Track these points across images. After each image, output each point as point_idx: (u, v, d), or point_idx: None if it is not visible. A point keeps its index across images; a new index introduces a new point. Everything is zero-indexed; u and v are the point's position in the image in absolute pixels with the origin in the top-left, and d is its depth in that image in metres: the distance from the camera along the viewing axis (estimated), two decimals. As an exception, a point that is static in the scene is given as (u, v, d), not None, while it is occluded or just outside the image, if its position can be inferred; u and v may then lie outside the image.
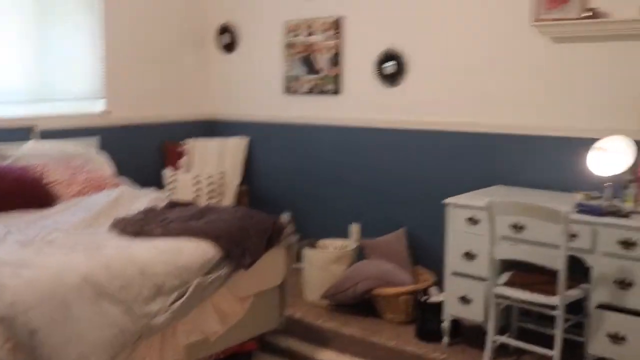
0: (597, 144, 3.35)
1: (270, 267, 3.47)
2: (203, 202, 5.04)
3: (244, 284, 3.30)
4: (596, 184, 3.53)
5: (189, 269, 2.98)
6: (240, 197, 5.30)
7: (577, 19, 3.64)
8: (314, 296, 4.40)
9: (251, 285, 3.37)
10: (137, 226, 3.26)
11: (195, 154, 5.42)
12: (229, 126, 5.62)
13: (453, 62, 4.22)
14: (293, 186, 5.23)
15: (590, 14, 3.58)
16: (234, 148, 5.43)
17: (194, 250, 3.07)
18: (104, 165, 4.53)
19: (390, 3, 4.49)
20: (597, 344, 3.09)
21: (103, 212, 3.63)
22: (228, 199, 5.24)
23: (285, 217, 5.24)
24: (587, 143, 3.57)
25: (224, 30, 5.55)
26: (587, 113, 3.70)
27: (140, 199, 3.92)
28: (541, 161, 3.89)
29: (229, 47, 5.55)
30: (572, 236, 3.10)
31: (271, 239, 3.43)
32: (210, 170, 5.30)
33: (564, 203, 3.33)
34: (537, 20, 3.79)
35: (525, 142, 3.95)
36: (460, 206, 3.57)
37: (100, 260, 2.74)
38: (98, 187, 4.10)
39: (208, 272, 3.07)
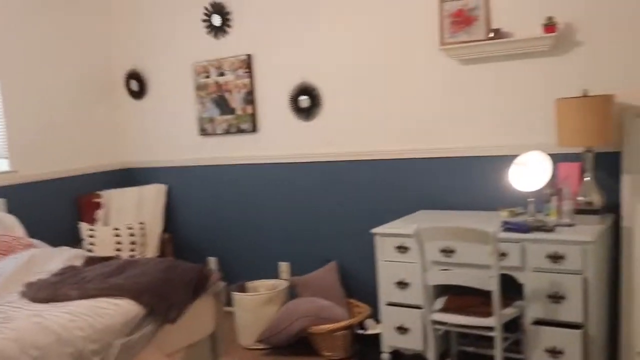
0: (515, 161, 3.38)
1: (199, 317, 3.31)
2: (125, 255, 4.81)
3: (173, 338, 3.13)
4: (518, 200, 3.58)
5: (110, 330, 2.80)
6: (164, 246, 5.09)
7: (481, 40, 3.72)
8: (248, 341, 4.24)
9: (180, 339, 3.20)
10: (50, 290, 3.05)
11: (112, 205, 5.19)
12: (145, 173, 5.43)
13: (367, 90, 4.22)
14: (217, 230, 5.07)
15: (493, 34, 3.66)
16: (153, 195, 5.24)
17: (115, 310, 2.89)
18: (13, 227, 4.25)
19: (298, 37, 4.47)
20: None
21: (13, 278, 3.38)
22: (151, 250, 5.02)
23: (211, 262, 5.08)
24: (505, 160, 3.62)
25: (132, 76, 5.39)
26: (502, 131, 3.76)
27: (54, 259, 3.68)
28: (462, 182, 3.91)
29: (139, 93, 5.38)
30: (502, 255, 3.10)
31: (198, 288, 3.28)
32: (129, 221, 5.08)
33: (489, 222, 3.34)
34: (443, 44, 3.85)
35: (445, 164, 3.97)
36: (388, 235, 3.53)
37: (9, 334, 2.52)
38: (7, 250, 3.83)
39: (132, 332, 2.89)
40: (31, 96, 4.87)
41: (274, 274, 4.75)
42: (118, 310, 2.90)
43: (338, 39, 4.30)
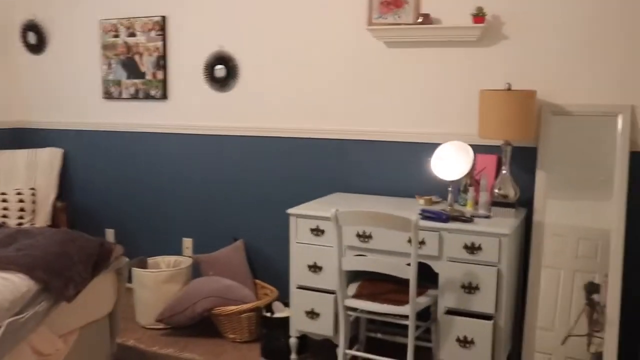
0: (437, 149, 3.35)
1: (98, 295, 3.08)
2: (12, 222, 4.43)
3: (68, 318, 2.89)
4: (435, 188, 3.57)
5: (-1, 308, 2.52)
6: (56, 215, 4.72)
7: (410, 24, 3.65)
8: (147, 320, 4.02)
9: (77, 319, 2.97)
10: None
11: (0, 168, 4.75)
12: (40, 135, 5.01)
13: (288, 65, 4.06)
14: (117, 200, 4.77)
15: (422, 19, 3.61)
16: (47, 159, 4.84)
17: (2, 285, 2.61)
18: None
19: (219, 2, 4.23)
20: (447, 349, 3.08)
21: None
22: (42, 218, 4.65)
23: (108, 235, 4.78)
24: (424, 148, 3.61)
25: (30, 28, 4.93)
26: (424, 118, 3.73)
27: None
28: (380, 167, 3.86)
29: (37, 47, 4.94)
30: (420, 243, 3.06)
31: (98, 263, 3.04)
32: (19, 185, 4.67)
33: (407, 209, 3.30)
34: (370, 24, 3.75)
35: (364, 147, 3.90)
36: (304, 216, 3.41)
37: None
38: None
39: (22, 310, 2.62)
40: None
41: (177, 250, 4.53)
42: (7, 285, 2.64)
43: (261, 8, 4.11)
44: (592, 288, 3.23)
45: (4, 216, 4.49)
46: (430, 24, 3.61)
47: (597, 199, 3.32)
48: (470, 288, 3.02)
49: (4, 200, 4.53)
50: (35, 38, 4.92)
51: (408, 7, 3.67)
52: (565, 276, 3.29)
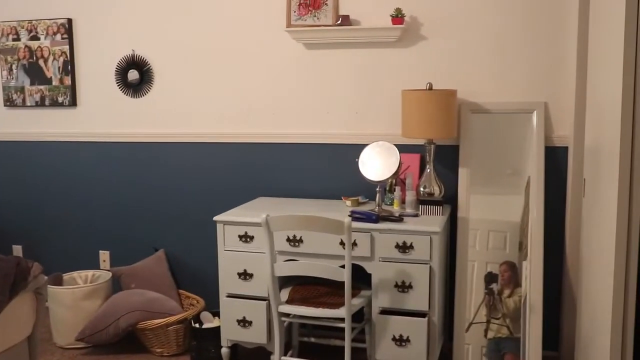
0: (363, 150, 3.35)
1: (16, 318, 2.87)
2: None
3: (-16, 345, 2.66)
4: (360, 189, 3.59)
5: None
6: (-44, 233, 4.39)
7: (328, 25, 3.65)
8: (66, 340, 3.80)
9: (-7, 345, 2.74)
10: None
11: None
12: None
13: (205, 68, 3.96)
14: (24, 214, 4.48)
15: (341, 21, 3.61)
16: (-57, 174, 4.49)
17: None
18: None
19: (129, 4, 4.06)
20: (382, 348, 3.10)
21: None
22: (-60, 237, 4.31)
23: (16, 251, 4.49)
24: (349, 149, 3.61)
25: None
26: (347, 119, 3.73)
27: None
28: (304, 169, 3.83)
29: None
30: (352, 244, 3.06)
31: (15, 284, 2.83)
32: None
33: (335, 211, 3.30)
34: (289, 26, 3.72)
35: (285, 150, 3.86)
36: (232, 223, 3.34)
37: None
38: None
39: None
40: None
41: (94, 264, 4.32)
42: None
43: (176, 10, 3.97)
44: (490, 278, 3.38)
45: None
46: (350, 25, 3.62)
47: (507, 193, 3.45)
48: (403, 287, 3.05)
49: None
50: None
51: (327, 8, 3.67)
52: (478, 268, 3.40)
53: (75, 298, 3.80)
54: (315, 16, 3.69)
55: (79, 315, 3.77)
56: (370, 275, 3.14)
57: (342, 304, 3.00)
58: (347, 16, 3.61)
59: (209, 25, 3.92)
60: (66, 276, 4.05)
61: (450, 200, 3.49)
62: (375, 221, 3.12)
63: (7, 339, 2.84)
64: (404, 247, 3.04)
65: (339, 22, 3.62)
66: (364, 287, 3.20)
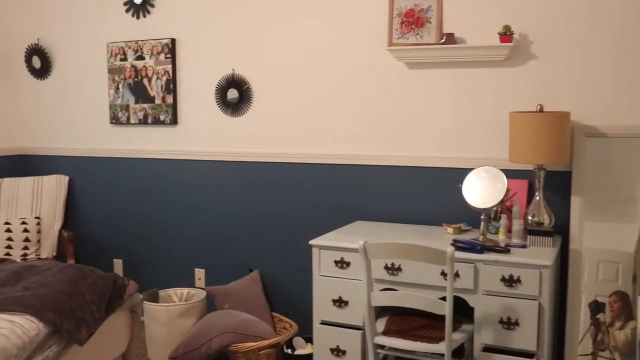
0: (468, 175, 3.16)
1: (111, 336, 2.90)
2: (17, 254, 4.24)
3: (80, 362, 2.68)
4: (463, 216, 3.39)
5: (4, 355, 2.33)
6: (63, 246, 4.53)
7: (432, 44, 3.50)
8: (160, 356, 3.82)
9: (88, 362, 2.76)
10: None
11: (4, 196, 4.57)
12: (45, 162, 4.84)
13: (304, 88, 3.90)
14: (125, 229, 4.59)
15: (445, 39, 3.45)
16: (53, 187, 4.67)
17: (10, 330, 2.43)
18: None
19: (231, 23, 4.08)
20: (484, 388, 2.90)
21: None
22: (47, 249, 4.47)
23: (116, 265, 4.59)
24: (451, 173, 3.45)
25: (34, 52, 4.78)
26: (449, 142, 3.56)
27: None
28: (404, 193, 3.68)
29: (42, 71, 4.78)
30: (455, 276, 2.88)
31: (111, 302, 2.85)
32: (24, 215, 4.49)
33: (436, 239, 3.13)
34: (391, 45, 3.60)
35: (385, 173, 3.73)
36: (328, 247, 3.23)
37: None
38: None
39: (31, 356, 2.43)
40: None
41: (189, 282, 4.34)
42: (14, 329, 2.44)
43: (276, 29, 3.95)
44: (596, 307, 3.10)
45: (8, 247, 4.31)
46: (454, 43, 3.45)
47: (619, 221, 3.15)
48: (509, 323, 2.83)
49: (8, 230, 4.35)
50: (39, 62, 4.77)
51: (430, 26, 3.52)
52: (585, 300, 3.13)
53: (171, 316, 3.82)
54: (418, 34, 3.55)
55: (174, 332, 3.78)
56: (471, 308, 2.94)
57: (442, 339, 2.82)
58: (452, 34, 3.45)
59: (308, 45, 3.86)
60: (162, 293, 4.09)
61: (559, 229, 3.24)
62: (480, 251, 2.92)
63: (103, 356, 2.86)
64: (510, 281, 2.83)
65: (443, 40, 3.46)
66: (464, 321, 3.01)
